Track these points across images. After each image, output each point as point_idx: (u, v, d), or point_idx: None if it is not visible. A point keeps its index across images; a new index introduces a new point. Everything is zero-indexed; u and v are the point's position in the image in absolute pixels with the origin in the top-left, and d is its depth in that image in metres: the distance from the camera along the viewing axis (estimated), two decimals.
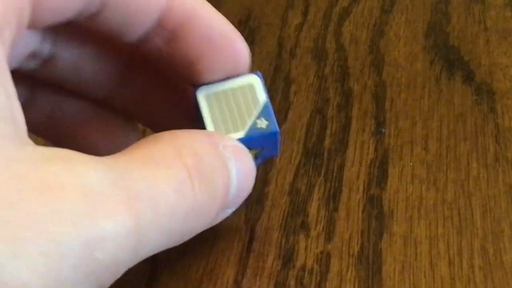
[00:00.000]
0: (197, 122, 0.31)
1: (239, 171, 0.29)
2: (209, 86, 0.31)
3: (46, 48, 0.31)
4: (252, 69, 0.43)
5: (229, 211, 0.30)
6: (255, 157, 0.31)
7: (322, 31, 0.46)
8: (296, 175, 0.35)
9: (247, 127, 0.30)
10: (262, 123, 0.30)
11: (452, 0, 0.49)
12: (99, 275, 0.23)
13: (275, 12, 0.48)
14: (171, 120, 0.33)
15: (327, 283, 0.30)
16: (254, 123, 0.30)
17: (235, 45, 0.31)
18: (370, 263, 0.30)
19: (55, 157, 0.23)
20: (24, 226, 0.21)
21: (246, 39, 0.45)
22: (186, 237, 0.27)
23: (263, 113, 0.30)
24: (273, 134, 0.30)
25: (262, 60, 0.43)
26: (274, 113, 0.31)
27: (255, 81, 0.31)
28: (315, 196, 0.34)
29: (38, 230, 0.21)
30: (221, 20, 0.30)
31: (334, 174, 0.35)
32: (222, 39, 0.30)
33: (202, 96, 0.31)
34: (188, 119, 0.33)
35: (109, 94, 0.33)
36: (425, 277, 0.30)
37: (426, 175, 0.35)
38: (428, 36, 0.45)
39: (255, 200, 0.34)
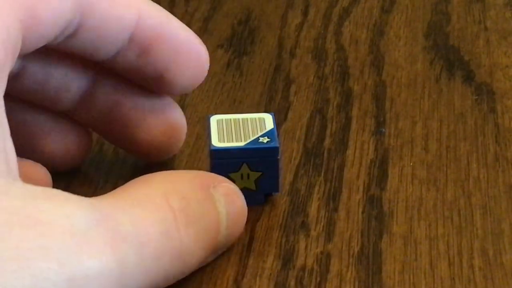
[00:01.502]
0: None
1: (229, 213, 0.29)
2: (222, 115, 0.33)
3: (16, 63, 0.31)
4: (252, 70, 0.43)
5: (219, 252, 0.30)
6: (256, 187, 0.32)
7: (322, 31, 0.46)
8: (296, 175, 0.35)
9: (248, 140, 0.31)
10: (264, 140, 0.32)
11: (452, 0, 0.49)
12: None
13: (275, 12, 0.48)
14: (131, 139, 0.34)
15: (327, 283, 0.30)
16: (257, 139, 0.32)
17: (198, 50, 0.32)
18: (370, 263, 0.30)
19: (44, 195, 0.24)
20: (11, 259, 0.22)
21: (246, 39, 0.45)
22: (173, 280, 0.27)
23: (268, 134, 0.32)
24: (272, 149, 0.31)
25: (262, 60, 0.43)
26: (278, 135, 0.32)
27: (268, 117, 0.33)
28: (315, 196, 0.34)
29: (25, 264, 0.22)
30: (184, 28, 0.32)
31: (334, 174, 0.35)
32: (188, 46, 0.32)
33: (214, 119, 0.33)
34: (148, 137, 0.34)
35: (72, 108, 0.34)
36: (425, 277, 0.30)
37: (426, 175, 0.35)
38: (428, 36, 0.45)
39: None
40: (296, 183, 0.35)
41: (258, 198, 0.32)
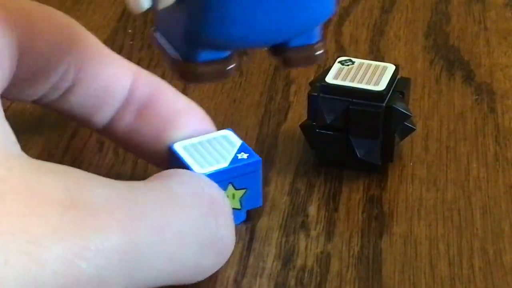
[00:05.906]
0: None
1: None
2: (184, 141, 0.31)
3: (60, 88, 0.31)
4: (252, 70, 0.43)
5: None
6: (240, 205, 0.32)
7: (322, 31, 0.46)
8: (296, 175, 0.35)
9: (229, 160, 0.31)
10: (243, 156, 0.31)
11: (452, 0, 0.49)
12: (83, 286, 0.23)
13: None
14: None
15: (327, 283, 0.30)
16: (235, 156, 0.31)
17: (199, 112, 0.32)
18: (370, 263, 0.30)
19: (47, 168, 0.24)
20: (3, 222, 0.21)
21: None
22: (210, 271, 0.27)
23: (242, 149, 0.31)
24: (256, 162, 0.31)
25: (262, 60, 0.43)
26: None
27: (229, 133, 0.32)
28: (315, 196, 0.34)
29: (19, 229, 0.22)
30: (180, 94, 0.32)
31: (334, 174, 0.35)
32: (188, 108, 0.32)
33: (179, 147, 0.31)
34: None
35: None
36: (425, 277, 0.30)
37: (426, 175, 0.35)
38: (428, 36, 0.45)
39: None
40: (296, 183, 0.35)
41: (241, 215, 0.32)
